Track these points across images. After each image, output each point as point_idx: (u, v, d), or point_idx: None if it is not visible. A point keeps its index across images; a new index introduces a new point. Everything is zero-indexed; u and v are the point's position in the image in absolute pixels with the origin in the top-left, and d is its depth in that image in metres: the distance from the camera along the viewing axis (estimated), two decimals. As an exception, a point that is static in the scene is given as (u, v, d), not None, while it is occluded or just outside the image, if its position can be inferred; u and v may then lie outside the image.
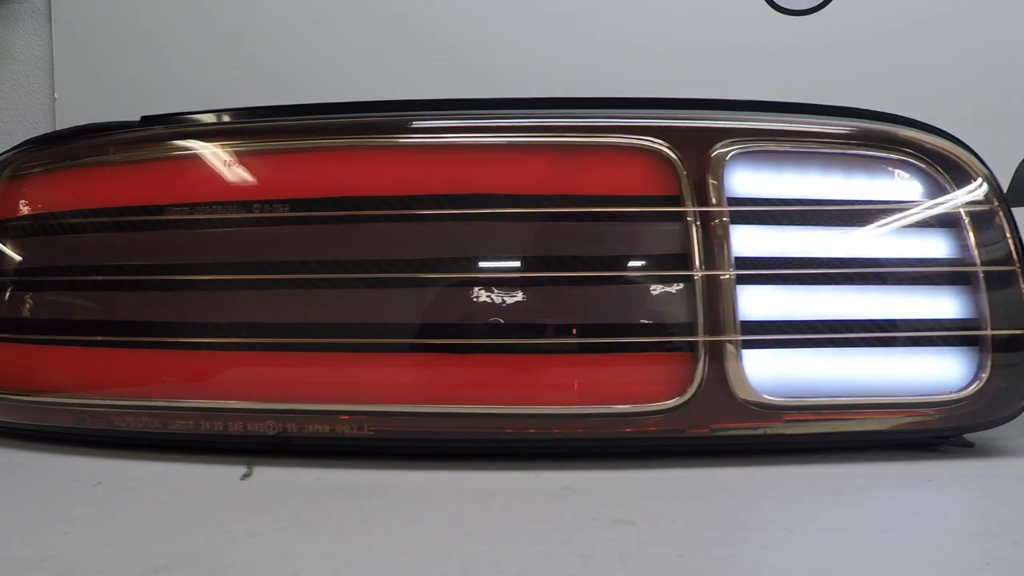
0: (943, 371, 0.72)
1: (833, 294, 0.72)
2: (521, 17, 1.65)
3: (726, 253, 0.70)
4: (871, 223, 0.73)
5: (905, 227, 0.73)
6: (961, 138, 0.74)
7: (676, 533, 0.51)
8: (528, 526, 0.53)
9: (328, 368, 0.71)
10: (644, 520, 0.54)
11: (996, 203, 0.72)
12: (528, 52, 1.65)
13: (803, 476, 0.65)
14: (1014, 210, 0.79)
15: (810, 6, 1.58)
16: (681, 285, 0.70)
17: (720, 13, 1.61)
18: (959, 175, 0.73)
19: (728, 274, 0.70)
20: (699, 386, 0.69)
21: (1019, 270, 0.71)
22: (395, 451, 0.71)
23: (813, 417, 0.71)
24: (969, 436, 0.72)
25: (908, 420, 0.71)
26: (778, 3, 1.58)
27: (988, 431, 0.71)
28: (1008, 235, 0.71)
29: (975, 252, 0.72)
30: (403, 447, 0.71)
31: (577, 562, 0.47)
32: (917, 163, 0.73)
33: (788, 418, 0.71)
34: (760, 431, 0.71)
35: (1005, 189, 0.82)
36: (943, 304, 0.72)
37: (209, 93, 1.57)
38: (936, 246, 0.73)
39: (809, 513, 0.55)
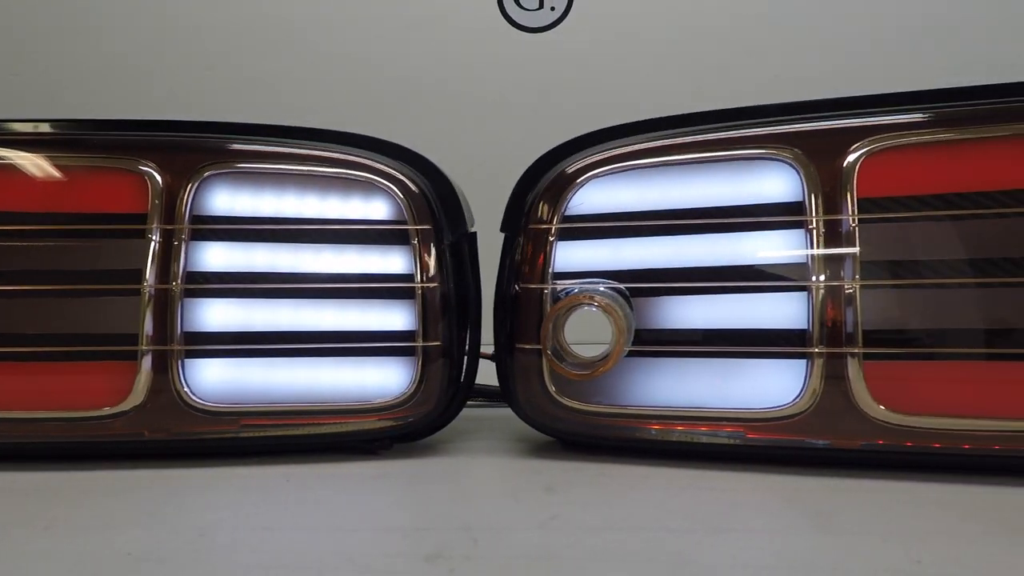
0: (389, 379, 0.76)
1: (291, 307, 0.77)
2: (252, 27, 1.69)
3: (178, 268, 0.75)
4: (332, 241, 0.78)
5: (364, 245, 0.78)
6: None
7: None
8: None
9: None
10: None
11: (433, 227, 0.76)
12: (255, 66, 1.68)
13: (212, 477, 0.70)
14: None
15: (543, 24, 1.63)
16: (136, 298, 0.75)
17: (459, 28, 1.65)
18: (414, 200, 0.77)
19: (175, 287, 0.75)
20: (147, 393, 0.74)
21: (438, 287, 0.75)
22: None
23: (269, 422, 0.76)
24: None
25: (353, 425, 0.76)
26: (515, 20, 1.63)
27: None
28: (436, 256, 0.76)
29: (417, 271, 0.77)
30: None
31: None
32: (382, 187, 0.78)
33: (245, 423, 0.76)
34: (220, 435, 0.76)
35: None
36: (393, 318, 0.77)
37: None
38: (390, 264, 0.77)
39: (120, 512, 0.60)
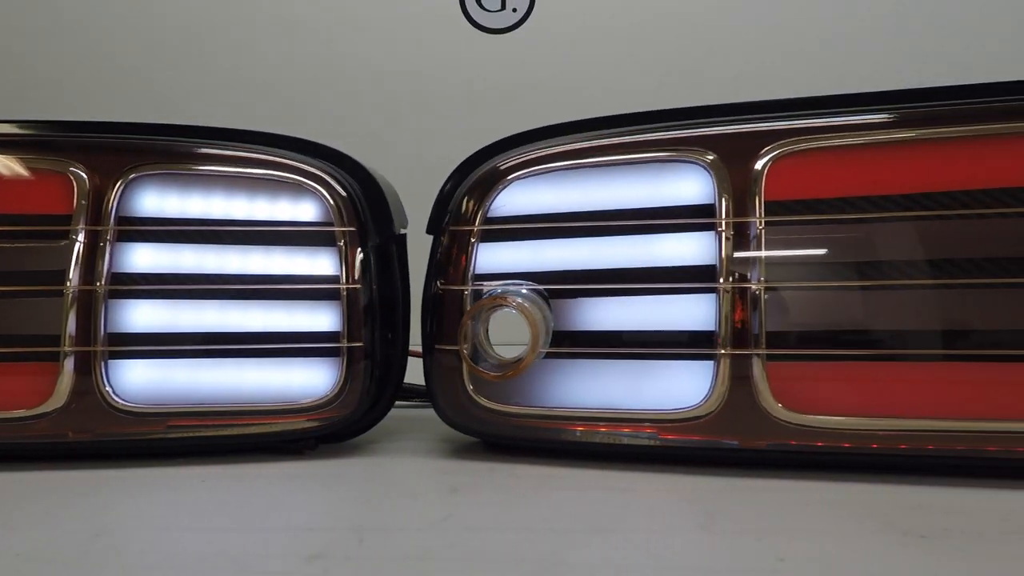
0: (315, 380, 0.77)
1: (217, 308, 0.77)
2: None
3: (103, 269, 0.76)
4: (259, 242, 0.78)
5: (292, 247, 0.78)
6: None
7: None
8: None
9: None
10: None
11: (358, 229, 0.76)
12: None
13: (128, 477, 0.70)
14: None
15: (505, 26, 1.63)
16: (59, 299, 0.75)
17: (421, 28, 1.66)
18: (340, 202, 0.77)
19: (99, 288, 0.75)
20: (69, 395, 0.74)
21: (362, 289, 0.76)
22: None
23: (195, 423, 0.76)
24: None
25: (280, 426, 0.76)
26: (477, 21, 1.63)
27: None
28: (362, 258, 0.76)
29: (343, 273, 0.77)
30: None
31: None
32: (310, 189, 0.78)
33: (172, 424, 0.76)
34: (146, 436, 0.76)
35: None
36: (319, 319, 0.77)
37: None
38: (319, 265, 0.78)
39: (24, 513, 0.60)
